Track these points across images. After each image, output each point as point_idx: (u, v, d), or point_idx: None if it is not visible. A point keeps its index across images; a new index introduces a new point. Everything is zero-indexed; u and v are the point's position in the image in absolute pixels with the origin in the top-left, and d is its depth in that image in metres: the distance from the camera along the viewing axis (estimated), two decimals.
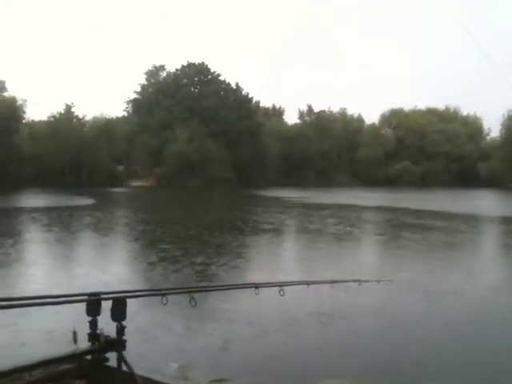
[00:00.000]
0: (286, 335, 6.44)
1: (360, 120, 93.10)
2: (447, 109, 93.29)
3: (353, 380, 4.83)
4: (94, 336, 3.55)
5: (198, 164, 61.37)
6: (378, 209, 31.92)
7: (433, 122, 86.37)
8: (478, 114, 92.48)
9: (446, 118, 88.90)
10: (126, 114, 76.23)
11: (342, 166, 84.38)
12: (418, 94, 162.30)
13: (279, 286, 4.80)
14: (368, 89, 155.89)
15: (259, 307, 7.31)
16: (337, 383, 4.85)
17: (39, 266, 11.79)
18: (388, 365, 5.49)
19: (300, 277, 8.56)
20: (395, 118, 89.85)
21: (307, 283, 5.39)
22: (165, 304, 3.60)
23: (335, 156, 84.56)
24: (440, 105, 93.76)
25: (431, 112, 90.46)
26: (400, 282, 9.46)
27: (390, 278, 8.75)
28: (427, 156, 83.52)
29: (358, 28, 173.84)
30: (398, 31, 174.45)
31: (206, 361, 5.40)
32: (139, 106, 71.32)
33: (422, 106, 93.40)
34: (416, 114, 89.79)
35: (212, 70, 72.06)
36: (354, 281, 6.77)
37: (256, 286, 4.58)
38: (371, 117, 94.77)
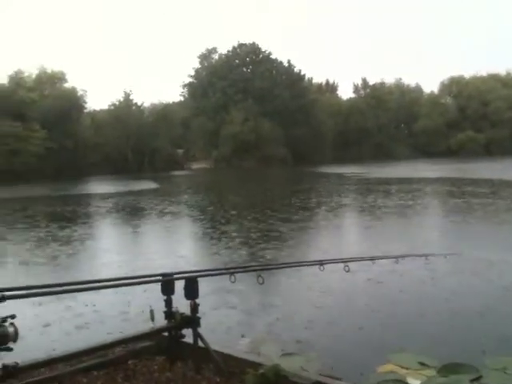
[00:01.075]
0: (352, 311, 6.45)
1: (418, 90, 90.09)
2: (509, 74, 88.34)
3: (423, 355, 4.81)
4: (170, 314, 3.75)
5: (254, 144, 61.71)
6: (443, 180, 30.94)
7: (495, 88, 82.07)
8: None
9: (509, 84, 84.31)
10: (182, 98, 77.52)
11: (400, 138, 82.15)
12: (478, 60, 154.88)
13: (344, 262, 4.83)
14: (424, 57, 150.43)
15: (325, 284, 7.35)
16: (407, 357, 4.83)
17: (114, 249, 12.38)
18: (458, 340, 5.41)
19: (365, 252, 8.50)
20: (455, 86, 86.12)
21: (372, 259, 5.39)
22: (233, 282, 3.72)
23: (393, 128, 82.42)
24: (501, 70, 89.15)
25: (493, 78, 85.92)
26: (468, 255, 9.17)
27: (458, 251, 8.51)
28: (491, 124, 79.81)
29: None
30: None
31: (276, 336, 5.52)
32: (194, 89, 72.17)
33: (483, 72, 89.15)
34: (477, 80, 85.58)
35: (263, 49, 71.72)
36: (420, 255, 6.68)
37: (321, 262, 4.63)
38: (429, 86, 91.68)
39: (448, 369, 4.54)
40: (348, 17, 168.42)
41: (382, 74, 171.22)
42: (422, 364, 4.67)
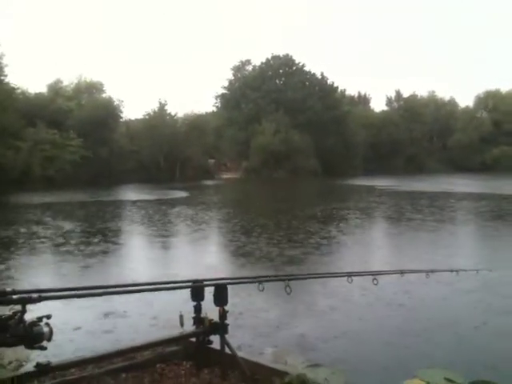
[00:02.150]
0: (379, 325, 6.41)
1: (452, 104, 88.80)
2: None
3: (451, 371, 4.73)
4: (198, 319, 3.81)
5: (284, 155, 61.76)
6: (477, 196, 30.35)
7: None
8: None
9: None
10: (214, 109, 78.34)
11: (433, 152, 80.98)
12: None
13: (373, 274, 4.81)
14: (459, 70, 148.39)
15: (353, 296, 7.33)
16: (433, 373, 4.76)
17: (141, 254, 12.60)
18: (488, 358, 5.31)
19: (394, 266, 8.44)
20: (491, 100, 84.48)
21: (401, 272, 5.34)
22: (261, 291, 3.76)
23: (426, 142, 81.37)
24: None
25: None
26: (500, 271, 9.01)
27: (490, 267, 8.36)
28: None
29: (451, 7, 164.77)
30: (490, 10, 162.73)
31: (302, 347, 5.53)
32: (227, 100, 72.88)
33: None
34: None
35: (297, 61, 72.01)
36: (451, 270, 6.59)
37: (349, 274, 4.63)
38: (464, 100, 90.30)
39: None
40: (381, 31, 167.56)
41: (415, 87, 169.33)
42: (449, 380, 4.61)
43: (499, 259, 10.82)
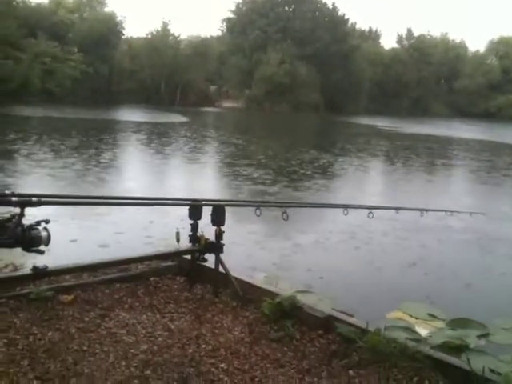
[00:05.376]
0: (371, 256, 6.53)
1: (463, 47, 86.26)
2: None
3: (434, 307, 4.90)
4: (195, 238, 3.87)
5: (288, 87, 60.57)
6: (479, 143, 30.21)
7: None
8: None
9: None
10: (220, 33, 75.86)
11: (439, 95, 79.57)
12: None
13: (368, 208, 4.85)
14: (473, 15, 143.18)
15: (348, 227, 7.42)
16: (417, 307, 4.94)
17: (139, 173, 12.67)
18: (472, 297, 5.45)
19: (389, 203, 8.51)
20: (503, 47, 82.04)
21: (397, 209, 5.39)
22: (258, 215, 3.78)
23: (433, 84, 79.79)
24: None
25: None
26: (494, 215, 9.12)
27: (484, 211, 8.47)
28: None
29: None
30: None
31: (292, 273, 5.65)
32: (233, 25, 70.39)
33: None
34: None
35: None
36: (446, 211, 6.66)
37: (346, 206, 4.67)
38: (475, 44, 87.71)
39: (456, 323, 4.63)
40: None
41: (428, 27, 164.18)
42: (432, 315, 4.77)
43: (496, 203, 10.95)
